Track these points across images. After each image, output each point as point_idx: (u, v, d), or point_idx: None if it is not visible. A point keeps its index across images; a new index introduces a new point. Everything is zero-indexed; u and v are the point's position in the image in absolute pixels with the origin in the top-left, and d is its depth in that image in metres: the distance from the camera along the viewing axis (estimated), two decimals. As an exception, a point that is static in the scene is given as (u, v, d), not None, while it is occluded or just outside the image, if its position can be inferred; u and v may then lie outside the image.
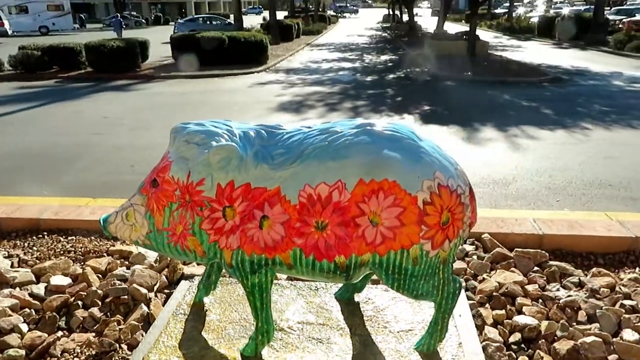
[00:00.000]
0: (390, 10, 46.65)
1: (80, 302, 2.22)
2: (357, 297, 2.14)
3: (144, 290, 2.25)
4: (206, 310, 2.07)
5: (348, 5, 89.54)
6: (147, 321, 2.15)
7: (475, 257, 2.64)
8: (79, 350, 1.97)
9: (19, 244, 2.86)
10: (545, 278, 2.46)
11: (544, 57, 17.13)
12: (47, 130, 7.35)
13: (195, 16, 35.18)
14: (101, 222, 1.75)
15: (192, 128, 1.64)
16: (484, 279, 2.43)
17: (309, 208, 1.55)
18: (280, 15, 35.70)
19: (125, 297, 2.22)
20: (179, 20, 32.45)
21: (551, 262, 2.56)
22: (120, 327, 2.04)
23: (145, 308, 2.16)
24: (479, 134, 6.75)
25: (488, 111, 8.27)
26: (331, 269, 1.59)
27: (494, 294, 2.31)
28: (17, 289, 2.30)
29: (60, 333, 2.08)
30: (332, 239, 1.55)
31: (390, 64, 15.96)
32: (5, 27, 27.80)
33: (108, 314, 2.18)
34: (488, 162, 5.47)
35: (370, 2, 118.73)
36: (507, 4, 39.77)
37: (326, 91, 10.70)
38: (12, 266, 2.55)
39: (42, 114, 8.59)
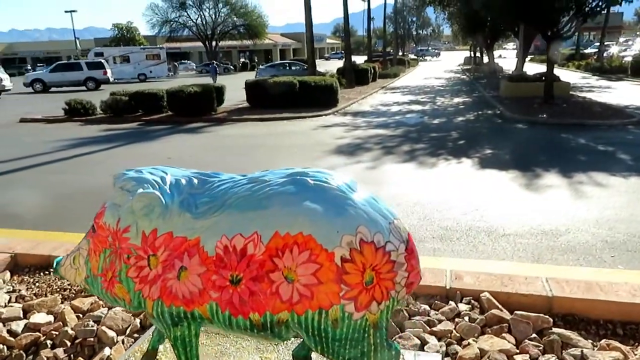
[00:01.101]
0: (472, 52, 46.07)
1: (49, 342, 2.27)
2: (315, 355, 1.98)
3: (111, 334, 2.25)
4: (158, 359, 2.00)
5: (430, 48, 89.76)
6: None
7: (467, 318, 2.37)
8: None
9: (26, 279, 3.02)
10: (541, 347, 2.14)
11: (635, 98, 15.90)
12: (110, 169, 7.87)
13: (276, 62, 36.89)
14: (54, 264, 1.78)
15: (128, 175, 1.63)
16: (469, 344, 2.16)
17: (225, 260, 1.47)
18: (362, 59, 36.47)
19: (92, 339, 2.23)
20: (261, 67, 34.18)
21: (555, 330, 2.23)
22: (78, 370, 2.04)
23: (107, 352, 2.15)
24: (539, 180, 6.29)
25: (556, 156, 7.72)
26: (247, 326, 1.49)
27: (474, 363, 2.06)
28: (1, 324, 2.40)
29: (21, 372, 2.12)
30: (246, 294, 1.45)
31: (461, 107, 15.58)
32: (107, 75, 30.72)
33: (72, 355, 2.20)
34: (542, 211, 5.05)
35: (453, 44, 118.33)
36: (598, 44, 37.83)
37: (388, 134, 10.60)
38: (9, 301, 2.68)
39: (114, 155, 9.24)
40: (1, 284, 2.88)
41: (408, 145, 9.20)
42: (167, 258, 1.54)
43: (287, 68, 29.33)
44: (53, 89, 29.27)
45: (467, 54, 52.03)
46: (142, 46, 47.54)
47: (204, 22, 53.13)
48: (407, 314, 2.42)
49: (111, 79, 31.43)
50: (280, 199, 1.46)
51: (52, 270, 1.78)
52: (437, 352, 2.10)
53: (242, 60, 61.04)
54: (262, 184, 1.52)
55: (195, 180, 1.64)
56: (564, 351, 2.11)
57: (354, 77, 23.86)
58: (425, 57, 77.36)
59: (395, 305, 1.49)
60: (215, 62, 39.14)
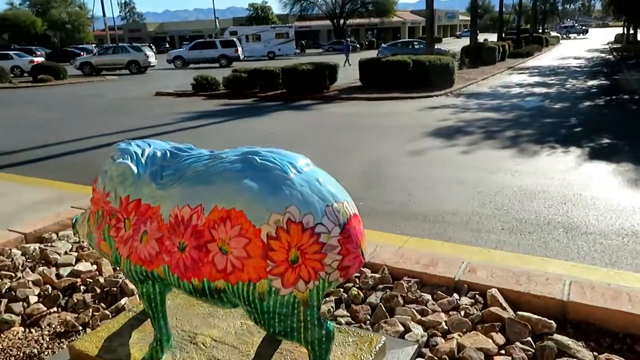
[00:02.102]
0: (625, 29, 40.82)
1: (83, 287, 2.61)
2: None
3: (132, 286, 2.53)
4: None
5: (575, 24, 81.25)
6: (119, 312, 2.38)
7: (463, 312, 2.22)
8: (55, 324, 2.32)
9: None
10: (531, 353, 1.93)
11: None
12: (217, 141, 8.47)
13: (400, 40, 36.24)
14: (73, 220, 2.05)
15: (119, 146, 1.82)
16: (452, 337, 2.03)
17: (175, 228, 1.59)
18: (495, 37, 34.33)
19: (115, 289, 2.53)
20: (383, 45, 33.83)
21: (556, 336, 1.99)
22: (96, 313, 2.34)
23: (123, 301, 2.42)
24: (656, 177, 5.52)
25: (689, 150, 6.69)
26: (191, 290, 1.60)
27: (445, 357, 1.95)
28: (53, 268, 2.82)
29: (55, 309, 2.48)
30: (188, 260, 1.56)
31: (593, 90, 14.04)
32: (238, 52, 32.73)
33: (97, 300, 2.51)
34: (643, 211, 4.46)
35: (605, 21, 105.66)
36: None
37: (496, 118, 9.98)
38: (70, 250, 3.11)
39: (224, 128, 9.93)
40: (71, 235, 3.35)
41: (514, 130, 8.59)
42: (135, 222, 1.71)
43: (410, 47, 28.64)
44: (191, 65, 31.98)
45: (620, 31, 46.26)
46: (272, 25, 49.66)
47: (333, 0, 53.78)
48: (401, 300, 2.37)
49: (242, 57, 33.41)
50: (225, 176, 1.54)
51: (72, 226, 2.06)
52: (417, 342, 2.02)
53: (369, 38, 60.87)
54: (217, 161, 1.61)
55: (169, 154, 1.77)
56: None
57: (481, 56, 22.64)
58: (570, 35, 70.38)
59: (326, 286, 1.49)
60: (348, 40, 39.55)
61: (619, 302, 2.16)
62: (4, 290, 2.62)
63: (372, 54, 26.63)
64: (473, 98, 13.28)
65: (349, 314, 2.37)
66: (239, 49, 33.05)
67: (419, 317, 2.30)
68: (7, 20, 63.60)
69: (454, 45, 33.32)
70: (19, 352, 2.26)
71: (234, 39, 34.25)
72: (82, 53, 37.51)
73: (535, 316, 2.15)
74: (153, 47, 31.53)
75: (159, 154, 1.78)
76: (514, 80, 17.71)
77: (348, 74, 17.32)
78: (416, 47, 28.23)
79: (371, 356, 1.86)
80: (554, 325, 2.12)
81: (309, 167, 1.59)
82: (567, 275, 2.68)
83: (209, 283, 1.54)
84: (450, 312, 2.33)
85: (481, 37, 30.77)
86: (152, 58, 29.06)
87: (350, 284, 2.59)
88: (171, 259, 1.61)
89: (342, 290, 2.54)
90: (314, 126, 9.90)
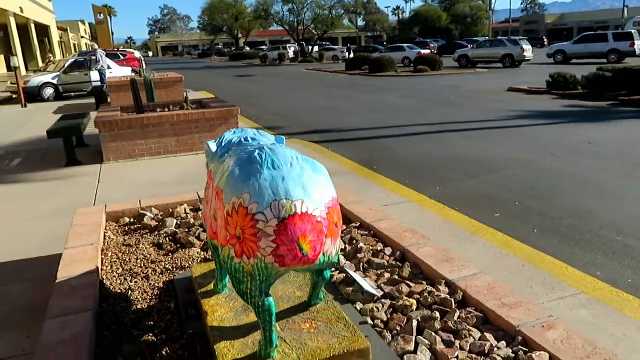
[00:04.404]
0: None
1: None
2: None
3: None
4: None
5: None
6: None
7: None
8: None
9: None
10: None
11: None
12: (523, 145, 7.92)
13: None
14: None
15: (226, 132, 2.35)
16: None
17: (215, 200, 2.02)
18: None
19: None
20: None
21: None
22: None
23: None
24: None
25: None
26: (212, 247, 2.21)
27: None
28: None
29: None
30: (213, 223, 2.05)
31: None
32: (635, 47, 27.84)
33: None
34: None
35: None
36: None
37: None
38: None
39: (541, 130, 9.11)
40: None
41: None
42: (207, 187, 2.29)
43: None
44: (574, 60, 29.36)
45: None
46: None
47: None
48: (438, 326, 2.13)
49: (638, 52, 28.41)
50: (232, 163, 1.93)
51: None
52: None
53: None
54: (242, 150, 2.02)
55: (239, 141, 2.21)
56: None
57: None
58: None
59: (267, 267, 1.74)
60: None
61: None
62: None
63: None
64: None
65: (386, 317, 2.40)
66: (636, 42, 28.08)
67: (441, 347, 2.10)
68: (420, 15, 72.92)
69: None
70: (183, 263, 3.17)
71: (632, 31, 29.28)
72: (468, 46, 39.55)
73: None
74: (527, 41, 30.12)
75: (235, 140, 2.24)
76: None
77: None
78: None
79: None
80: None
81: (290, 167, 1.81)
82: None
83: (212, 242, 2.15)
84: (475, 356, 2.00)
85: None
86: (529, 52, 28.14)
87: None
88: (210, 224, 2.12)
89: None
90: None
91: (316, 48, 50.23)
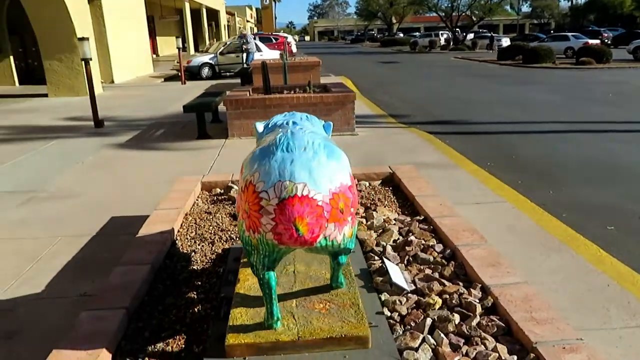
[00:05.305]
0: None
1: None
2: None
3: None
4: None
5: None
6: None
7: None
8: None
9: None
10: None
11: None
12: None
13: None
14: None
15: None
16: None
17: None
18: None
19: None
20: None
21: None
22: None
23: None
24: None
25: None
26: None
27: None
28: None
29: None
30: None
31: None
32: None
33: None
34: None
35: None
36: None
37: None
38: None
39: None
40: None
41: None
42: None
43: None
44: None
45: None
46: None
47: None
48: (451, 328, 2.06)
49: None
50: (261, 142, 2.12)
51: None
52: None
53: None
54: (274, 133, 2.11)
55: (283, 124, 2.32)
56: None
57: None
58: None
59: (266, 243, 1.86)
60: None
61: None
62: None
63: None
64: None
65: (405, 312, 2.36)
66: None
67: (446, 349, 2.01)
68: (596, 2, 64.98)
69: None
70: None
71: None
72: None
73: None
74: None
75: (280, 122, 2.38)
76: None
77: None
78: None
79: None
80: None
81: (304, 151, 1.88)
82: None
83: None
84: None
85: None
86: None
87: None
88: None
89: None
90: None
91: (470, 35, 47.91)
